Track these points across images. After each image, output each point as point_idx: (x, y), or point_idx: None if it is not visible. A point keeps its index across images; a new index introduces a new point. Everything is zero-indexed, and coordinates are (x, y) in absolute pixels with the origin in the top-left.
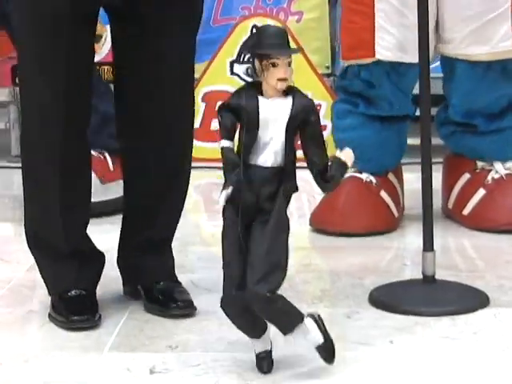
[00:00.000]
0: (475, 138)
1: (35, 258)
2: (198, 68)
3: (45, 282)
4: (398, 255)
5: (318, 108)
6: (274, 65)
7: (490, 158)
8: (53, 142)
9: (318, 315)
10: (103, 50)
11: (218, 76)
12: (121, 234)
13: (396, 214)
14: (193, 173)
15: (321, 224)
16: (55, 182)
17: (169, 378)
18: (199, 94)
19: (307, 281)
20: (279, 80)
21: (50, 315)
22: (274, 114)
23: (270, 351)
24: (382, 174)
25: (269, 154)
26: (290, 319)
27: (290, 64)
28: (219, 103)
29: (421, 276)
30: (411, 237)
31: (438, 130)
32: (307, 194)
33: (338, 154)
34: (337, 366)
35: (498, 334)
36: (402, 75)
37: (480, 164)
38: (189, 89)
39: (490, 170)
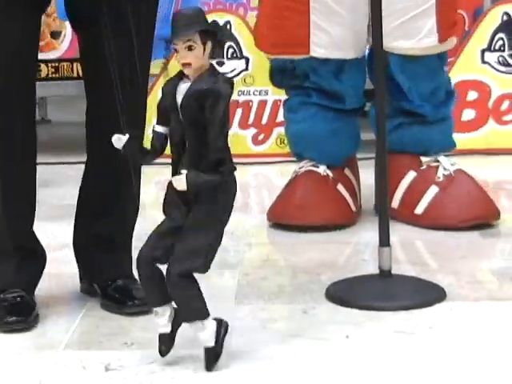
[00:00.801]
0: (423, 129)
1: None
2: (157, 64)
3: None
4: (356, 250)
5: (278, 103)
6: (176, 50)
7: (435, 150)
8: None
9: (227, 325)
10: (62, 46)
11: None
12: (74, 229)
13: (354, 208)
14: (153, 169)
15: (278, 218)
16: None
17: (124, 375)
18: (159, 90)
19: (265, 277)
20: (182, 65)
21: None
22: (179, 98)
23: (167, 335)
24: (337, 166)
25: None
26: (193, 310)
27: (190, 48)
28: None
29: (377, 271)
30: (369, 232)
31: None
32: (268, 190)
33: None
34: (293, 361)
35: (454, 328)
36: (346, 72)
37: (425, 160)
38: (145, 89)
39: (437, 167)
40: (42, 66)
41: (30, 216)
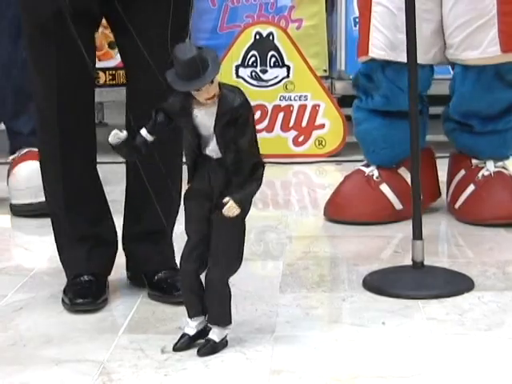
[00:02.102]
0: (472, 137)
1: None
2: None
3: (63, 266)
4: (392, 243)
5: (317, 108)
6: (197, 89)
7: (484, 157)
8: (52, 144)
9: (227, 341)
10: (118, 55)
11: (224, 79)
12: (123, 224)
13: (399, 206)
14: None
15: (325, 212)
16: (58, 180)
17: (179, 357)
18: None
19: (306, 267)
20: (206, 99)
21: (62, 299)
22: (205, 118)
23: (190, 337)
24: (390, 166)
25: (214, 147)
26: (224, 316)
27: (212, 81)
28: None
29: (411, 262)
30: (405, 226)
31: (443, 125)
32: (307, 187)
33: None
34: (333, 345)
35: (482, 316)
36: (397, 72)
37: (475, 162)
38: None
39: (482, 168)
40: (101, 73)
41: (95, 209)
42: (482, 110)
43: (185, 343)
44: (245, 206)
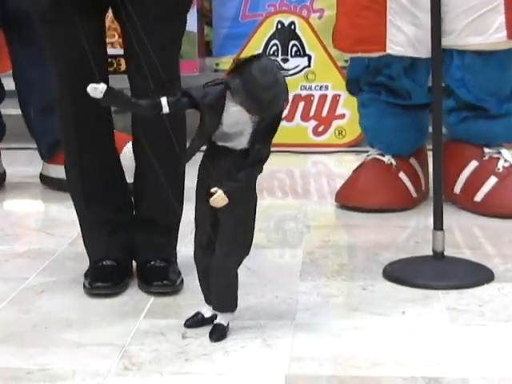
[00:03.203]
0: (487, 122)
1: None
2: (228, 60)
3: (86, 251)
4: (411, 233)
5: (337, 98)
6: None
7: (499, 142)
8: (69, 132)
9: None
10: None
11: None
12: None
13: (414, 194)
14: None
15: (343, 200)
16: (77, 167)
17: (199, 342)
18: None
19: (326, 256)
20: None
21: (83, 283)
22: (239, 115)
23: (203, 317)
24: (402, 156)
25: (240, 140)
26: (230, 303)
27: None
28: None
29: (431, 253)
30: (424, 216)
31: (447, 117)
32: (327, 177)
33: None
34: (353, 333)
35: (502, 307)
36: (416, 71)
37: (487, 151)
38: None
39: (498, 158)
40: (122, 60)
41: (114, 196)
42: (496, 90)
43: (196, 321)
44: (233, 197)
